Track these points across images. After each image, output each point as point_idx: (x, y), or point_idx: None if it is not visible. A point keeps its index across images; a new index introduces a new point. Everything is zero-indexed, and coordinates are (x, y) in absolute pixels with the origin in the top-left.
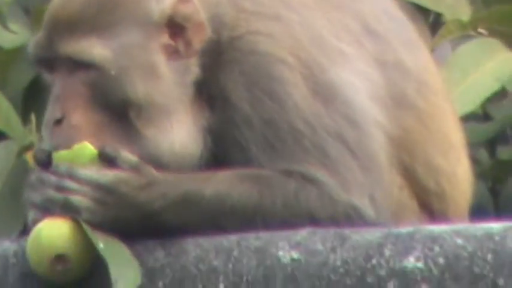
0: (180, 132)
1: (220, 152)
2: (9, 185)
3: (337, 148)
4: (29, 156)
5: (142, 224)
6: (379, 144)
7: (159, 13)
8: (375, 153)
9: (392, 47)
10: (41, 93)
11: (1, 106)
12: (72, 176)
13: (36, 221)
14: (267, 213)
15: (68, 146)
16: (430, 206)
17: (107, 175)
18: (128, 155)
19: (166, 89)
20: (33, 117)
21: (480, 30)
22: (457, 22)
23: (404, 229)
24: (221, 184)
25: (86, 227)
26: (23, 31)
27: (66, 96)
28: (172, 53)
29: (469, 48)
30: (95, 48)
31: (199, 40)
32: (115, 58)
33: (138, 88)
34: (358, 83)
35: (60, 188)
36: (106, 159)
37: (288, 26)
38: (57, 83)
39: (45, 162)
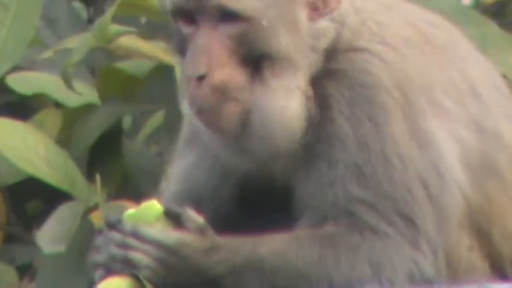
0: (297, 99)
1: (308, 153)
2: (75, 246)
3: (421, 194)
4: (94, 217)
5: (201, 285)
6: (455, 204)
7: None
8: (449, 210)
9: (493, 115)
10: (105, 154)
11: (66, 167)
12: (136, 235)
13: (100, 281)
14: (330, 273)
15: (209, 109)
16: (503, 269)
17: (171, 236)
18: (193, 215)
19: (302, 48)
20: (98, 177)
21: None
22: None
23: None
24: (282, 248)
25: (146, 284)
26: (87, 91)
27: (209, 50)
28: (312, 11)
29: None
30: (246, 1)
31: (335, 2)
32: (265, 9)
33: (282, 42)
34: (451, 144)
35: (122, 245)
36: (172, 218)
37: (404, 61)
38: (201, 36)
39: (113, 221)
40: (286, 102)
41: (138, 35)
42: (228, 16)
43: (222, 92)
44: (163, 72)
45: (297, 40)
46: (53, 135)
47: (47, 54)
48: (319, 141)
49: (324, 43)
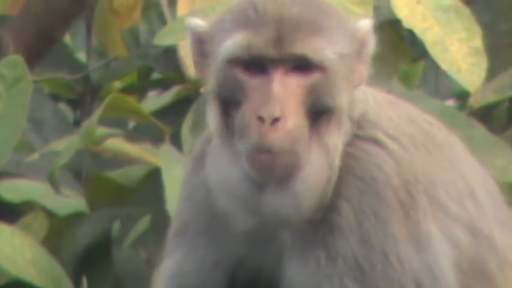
0: (337, 163)
1: (307, 237)
2: None
3: None
4: None
5: None
6: None
7: (359, 33)
8: None
9: (487, 219)
10: (94, 260)
11: (53, 270)
12: None
13: None
14: None
15: (283, 150)
16: None
17: None
18: None
19: (347, 105)
20: (84, 280)
21: None
22: (508, 186)
23: None
24: None
25: None
26: (74, 197)
27: (282, 96)
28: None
29: None
30: (325, 50)
31: (364, 75)
32: (337, 61)
33: (342, 97)
34: (447, 247)
35: None
36: None
37: (411, 161)
38: (273, 82)
39: None
40: (332, 164)
41: (125, 137)
42: (303, 65)
43: (292, 139)
44: (151, 176)
45: (348, 97)
46: (40, 238)
47: (33, 157)
48: (322, 225)
49: (354, 115)
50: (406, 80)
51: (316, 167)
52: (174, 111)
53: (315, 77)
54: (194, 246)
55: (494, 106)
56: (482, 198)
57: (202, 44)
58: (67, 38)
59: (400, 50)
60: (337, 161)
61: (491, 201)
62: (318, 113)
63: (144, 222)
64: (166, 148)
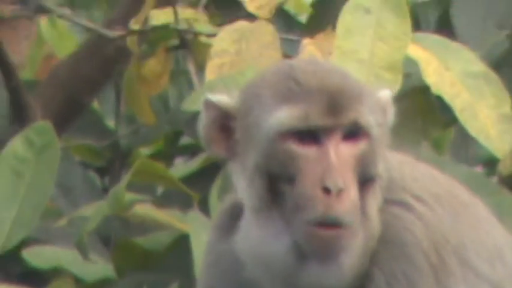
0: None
1: None
2: None
3: None
4: None
5: None
6: None
7: (383, 101)
8: None
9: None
10: None
11: None
12: None
13: None
14: None
15: (349, 222)
16: None
17: None
18: None
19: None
20: None
21: None
22: None
23: None
24: None
25: None
26: (102, 263)
27: (340, 166)
28: None
29: None
30: (370, 117)
31: (386, 143)
32: (377, 129)
33: (381, 163)
34: None
35: None
36: None
37: (440, 221)
38: (330, 152)
39: None
40: (373, 233)
41: (153, 203)
42: (352, 134)
43: (354, 210)
44: (179, 242)
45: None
46: None
47: (62, 222)
48: None
49: (383, 181)
50: (435, 146)
51: (361, 238)
52: (202, 178)
53: (363, 144)
54: None
55: None
56: (510, 259)
57: (227, 119)
58: (96, 104)
59: (430, 116)
60: (376, 231)
61: None
62: (363, 183)
63: None
64: (195, 214)
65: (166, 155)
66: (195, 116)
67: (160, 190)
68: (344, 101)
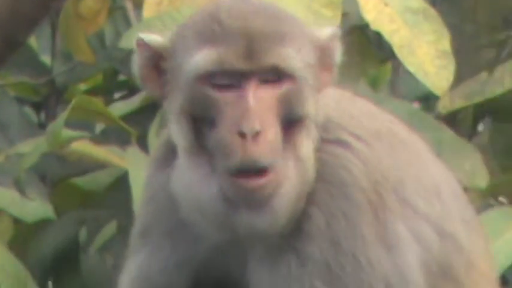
0: (312, 172)
1: (276, 244)
2: None
3: None
4: None
5: None
6: None
7: (322, 40)
8: None
9: (453, 219)
10: (62, 267)
11: (18, 273)
12: None
13: None
14: None
15: (267, 165)
16: None
17: None
18: None
19: (314, 113)
20: (50, 285)
21: (500, 198)
22: (478, 191)
23: None
24: None
25: None
26: (40, 202)
27: (258, 109)
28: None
29: (489, 217)
30: (294, 60)
31: (328, 82)
32: (304, 69)
33: (311, 105)
34: (416, 248)
35: None
36: None
37: (379, 159)
38: (248, 96)
39: None
40: (307, 174)
41: (91, 140)
42: (274, 76)
43: (273, 152)
44: (118, 181)
45: (314, 104)
46: (4, 241)
47: None
48: (292, 232)
49: (319, 120)
50: (373, 83)
51: (293, 181)
52: (141, 115)
53: (285, 87)
54: (158, 248)
55: (459, 111)
56: (447, 196)
57: (159, 59)
58: (32, 41)
59: (367, 53)
60: (311, 171)
61: (456, 201)
62: (289, 124)
63: (111, 227)
64: (133, 151)
65: (104, 91)
66: (131, 53)
67: (98, 127)
68: (263, 45)
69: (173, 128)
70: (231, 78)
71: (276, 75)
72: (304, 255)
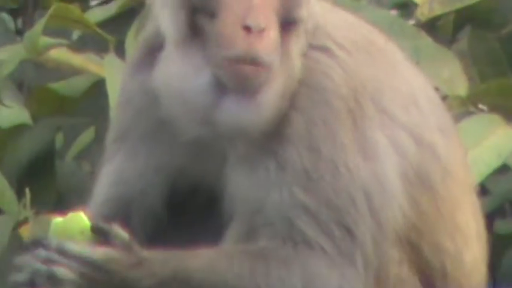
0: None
1: (255, 148)
2: (3, 260)
3: (363, 206)
4: (23, 231)
5: None
6: (393, 219)
7: None
8: (388, 225)
9: (430, 126)
10: (38, 173)
11: None
12: (61, 250)
13: None
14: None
15: (267, 61)
16: (433, 283)
17: (97, 251)
18: (119, 232)
19: (307, 17)
20: (27, 192)
21: (480, 106)
22: (457, 98)
23: None
24: (211, 261)
25: None
26: (17, 108)
27: (263, 6)
28: None
29: (469, 124)
30: None
31: None
32: None
33: (305, 8)
34: (394, 156)
35: (47, 261)
36: (98, 233)
37: (358, 67)
38: None
39: (39, 238)
40: (294, 75)
41: (69, 47)
42: None
43: (273, 50)
44: (95, 87)
45: (308, 11)
46: None
47: None
48: (272, 136)
49: (309, 25)
50: None
51: (281, 79)
52: (119, 22)
53: None
54: (134, 153)
55: (439, 18)
56: (424, 105)
57: None
58: None
59: None
60: (297, 74)
61: (433, 109)
62: (284, 25)
63: (87, 134)
64: (111, 58)
65: None
66: None
67: (76, 34)
68: None
69: (166, 20)
70: None
71: None
72: (283, 160)
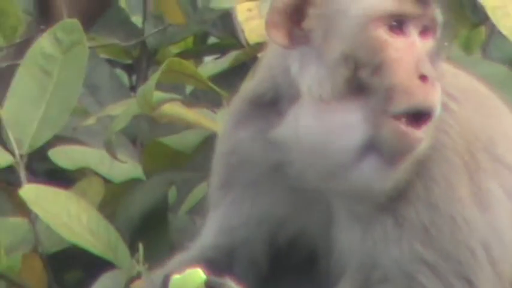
0: None
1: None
2: None
3: (483, 258)
4: (136, 286)
5: None
6: (510, 268)
7: None
8: (506, 275)
9: None
10: (151, 228)
11: (109, 235)
12: None
13: None
14: None
15: (437, 110)
16: None
17: None
18: (234, 286)
19: None
20: (140, 246)
21: None
22: None
23: None
24: None
25: None
26: (130, 163)
27: (427, 57)
28: None
29: None
30: (439, 14)
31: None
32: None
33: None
34: (509, 205)
35: None
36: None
37: (470, 118)
38: (416, 42)
39: None
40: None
41: (182, 102)
42: (429, 27)
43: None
44: (208, 141)
45: None
46: (95, 203)
47: (90, 121)
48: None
49: None
50: (466, 46)
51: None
52: (232, 76)
53: (431, 42)
54: (239, 201)
55: None
56: None
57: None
58: (122, 2)
59: (460, 16)
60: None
61: None
62: None
63: (200, 189)
64: (224, 112)
65: (194, 54)
66: (223, 15)
67: (189, 89)
68: None
69: (316, 77)
70: (400, 24)
71: (429, 27)
72: (401, 217)
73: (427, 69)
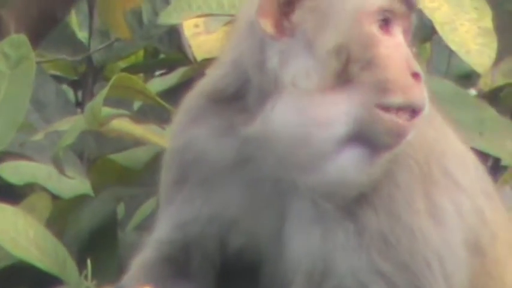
0: None
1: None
2: None
3: (437, 271)
4: None
5: None
6: (461, 283)
7: None
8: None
9: (479, 192)
10: (99, 244)
11: (56, 251)
12: None
13: None
14: None
15: (426, 110)
16: None
17: None
18: None
19: None
20: (88, 262)
21: None
22: None
23: None
24: None
25: None
26: (78, 179)
27: (411, 55)
28: None
29: None
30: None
31: None
32: None
33: None
34: (458, 221)
35: None
36: None
37: (426, 129)
38: (401, 39)
39: None
40: None
41: (130, 118)
42: (406, 31)
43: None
44: (156, 158)
45: None
46: (43, 219)
47: (38, 136)
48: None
49: None
50: None
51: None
52: (180, 92)
53: (407, 42)
54: (191, 198)
55: (500, 89)
56: (471, 168)
57: None
58: (69, 18)
59: None
60: None
61: (478, 172)
62: None
63: (149, 205)
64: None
65: (143, 69)
66: (170, 30)
67: (136, 105)
68: None
69: (303, 68)
70: (388, 21)
71: (408, 29)
72: (362, 224)
73: (418, 67)
